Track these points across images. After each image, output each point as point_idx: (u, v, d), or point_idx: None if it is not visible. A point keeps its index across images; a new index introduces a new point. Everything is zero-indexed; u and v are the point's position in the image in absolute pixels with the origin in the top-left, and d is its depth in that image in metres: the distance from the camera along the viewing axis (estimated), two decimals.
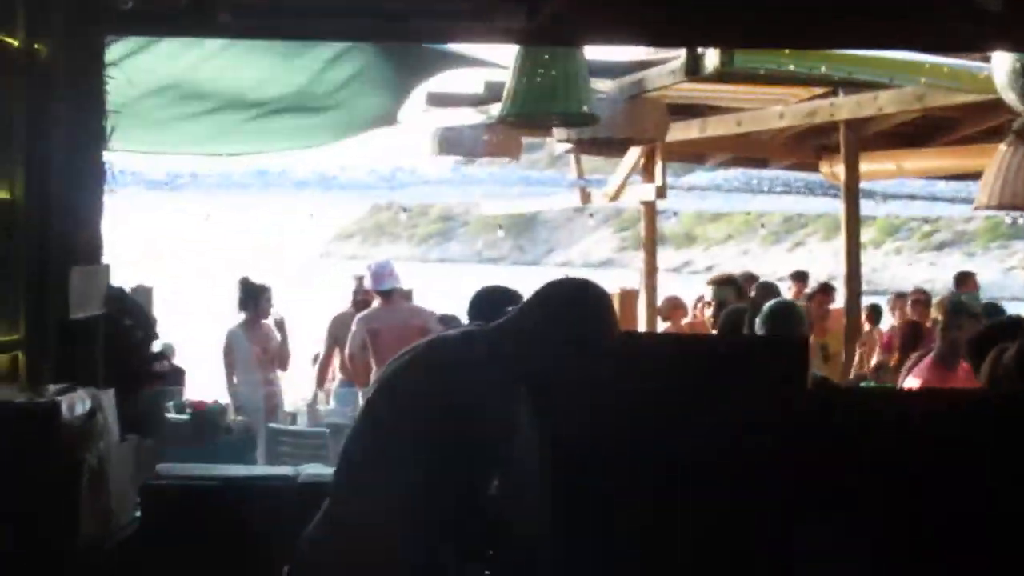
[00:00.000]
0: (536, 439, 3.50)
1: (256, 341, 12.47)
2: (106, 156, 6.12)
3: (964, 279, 15.78)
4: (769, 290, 10.92)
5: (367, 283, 12.43)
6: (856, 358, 13.54)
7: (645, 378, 3.52)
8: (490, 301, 6.15)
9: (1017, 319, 7.41)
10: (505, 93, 9.30)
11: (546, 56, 9.06)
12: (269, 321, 12.67)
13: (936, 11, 5.08)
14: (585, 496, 3.32)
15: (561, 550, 3.42)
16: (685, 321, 15.28)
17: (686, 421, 3.27)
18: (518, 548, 3.72)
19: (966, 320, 8.41)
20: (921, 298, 14.97)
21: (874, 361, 13.49)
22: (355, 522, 4.25)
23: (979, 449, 2.98)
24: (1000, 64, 8.52)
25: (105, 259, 6.06)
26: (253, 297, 12.50)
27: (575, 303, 4.51)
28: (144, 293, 9.36)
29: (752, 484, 2.98)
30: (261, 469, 8.11)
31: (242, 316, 12.52)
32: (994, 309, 9.10)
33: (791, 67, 10.07)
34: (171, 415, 9.86)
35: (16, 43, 5.18)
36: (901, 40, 7.63)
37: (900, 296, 16.69)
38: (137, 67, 7.58)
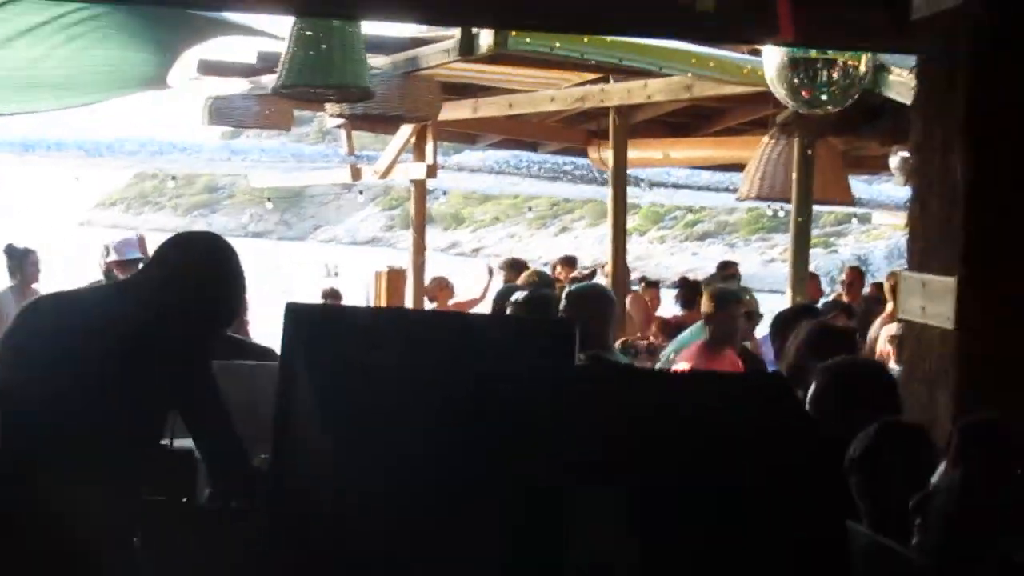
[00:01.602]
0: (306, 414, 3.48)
1: None
2: None
3: (726, 267, 16.14)
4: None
5: (111, 256, 12.30)
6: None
7: (416, 354, 3.54)
8: None
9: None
10: (280, 63, 9.25)
11: (322, 28, 9.06)
12: (38, 287, 12.42)
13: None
14: (351, 476, 3.31)
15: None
16: (452, 302, 15.35)
17: (459, 397, 3.30)
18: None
19: (734, 306, 8.66)
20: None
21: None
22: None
23: (733, 425, 3.07)
24: (770, 57, 8.74)
25: None
26: (18, 261, 12.28)
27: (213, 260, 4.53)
28: None
29: (523, 453, 3.03)
30: None
31: (11, 283, 12.28)
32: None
33: (562, 52, 10.24)
34: None
35: None
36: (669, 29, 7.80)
37: (650, 284, 16.90)
38: None
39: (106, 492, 4.17)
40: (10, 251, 12.42)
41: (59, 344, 4.27)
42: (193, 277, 4.39)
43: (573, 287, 7.83)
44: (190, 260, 4.47)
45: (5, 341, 4.44)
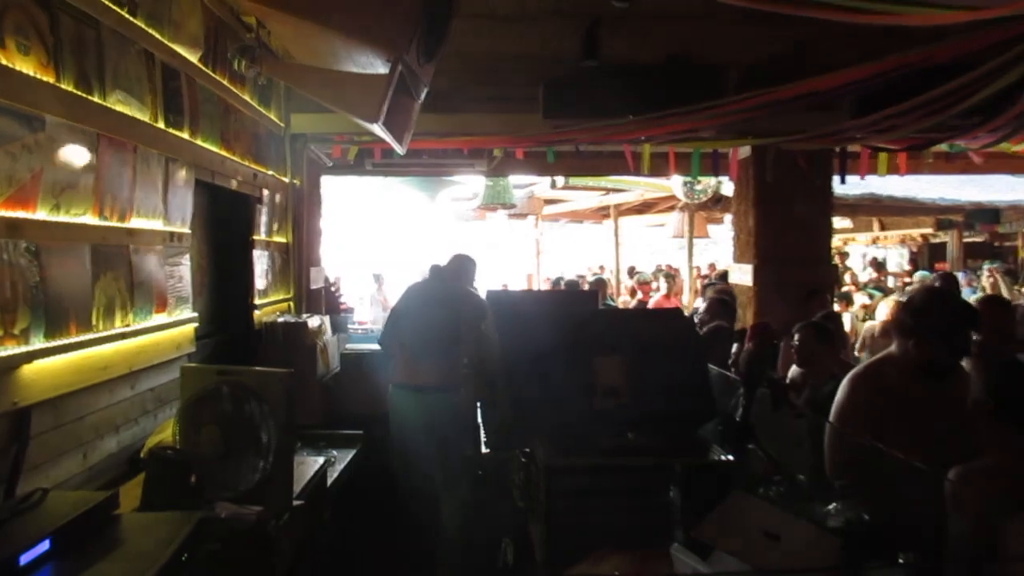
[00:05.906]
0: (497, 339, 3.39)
1: None
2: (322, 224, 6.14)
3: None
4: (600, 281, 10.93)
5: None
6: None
7: (540, 306, 3.56)
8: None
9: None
10: (482, 195, 9.50)
11: (495, 180, 9.25)
12: (388, 295, 11.17)
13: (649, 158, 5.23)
14: (519, 364, 3.24)
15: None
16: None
17: (556, 325, 3.25)
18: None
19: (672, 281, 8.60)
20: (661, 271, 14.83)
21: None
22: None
23: (664, 328, 3.08)
24: (675, 181, 8.75)
25: (323, 263, 6.09)
26: (379, 281, 11.43)
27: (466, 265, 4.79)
28: (338, 281, 9.20)
29: (578, 345, 3.01)
30: None
31: (375, 293, 11.26)
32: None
33: (593, 183, 10.30)
34: (350, 326, 9.69)
35: (286, 179, 5.22)
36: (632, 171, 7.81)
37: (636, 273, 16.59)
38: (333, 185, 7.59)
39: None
40: (377, 275, 11.57)
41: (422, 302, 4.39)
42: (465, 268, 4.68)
43: (592, 278, 7.89)
44: (462, 262, 4.73)
45: (400, 303, 4.62)
